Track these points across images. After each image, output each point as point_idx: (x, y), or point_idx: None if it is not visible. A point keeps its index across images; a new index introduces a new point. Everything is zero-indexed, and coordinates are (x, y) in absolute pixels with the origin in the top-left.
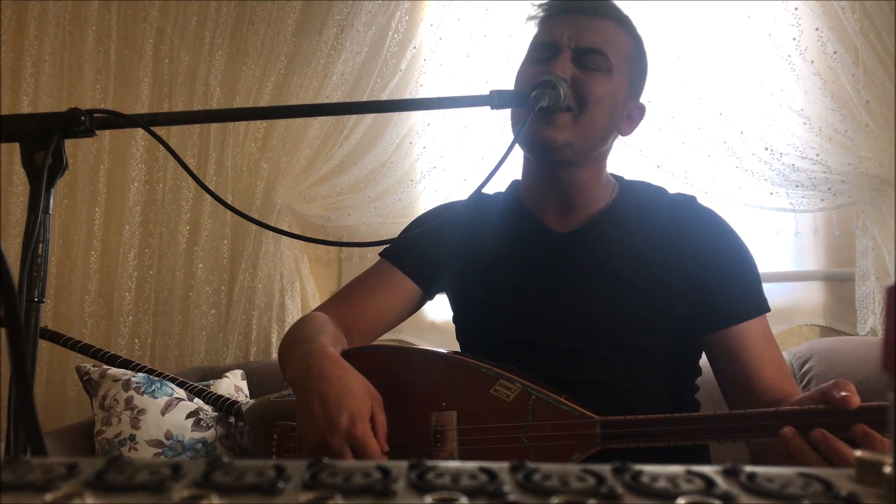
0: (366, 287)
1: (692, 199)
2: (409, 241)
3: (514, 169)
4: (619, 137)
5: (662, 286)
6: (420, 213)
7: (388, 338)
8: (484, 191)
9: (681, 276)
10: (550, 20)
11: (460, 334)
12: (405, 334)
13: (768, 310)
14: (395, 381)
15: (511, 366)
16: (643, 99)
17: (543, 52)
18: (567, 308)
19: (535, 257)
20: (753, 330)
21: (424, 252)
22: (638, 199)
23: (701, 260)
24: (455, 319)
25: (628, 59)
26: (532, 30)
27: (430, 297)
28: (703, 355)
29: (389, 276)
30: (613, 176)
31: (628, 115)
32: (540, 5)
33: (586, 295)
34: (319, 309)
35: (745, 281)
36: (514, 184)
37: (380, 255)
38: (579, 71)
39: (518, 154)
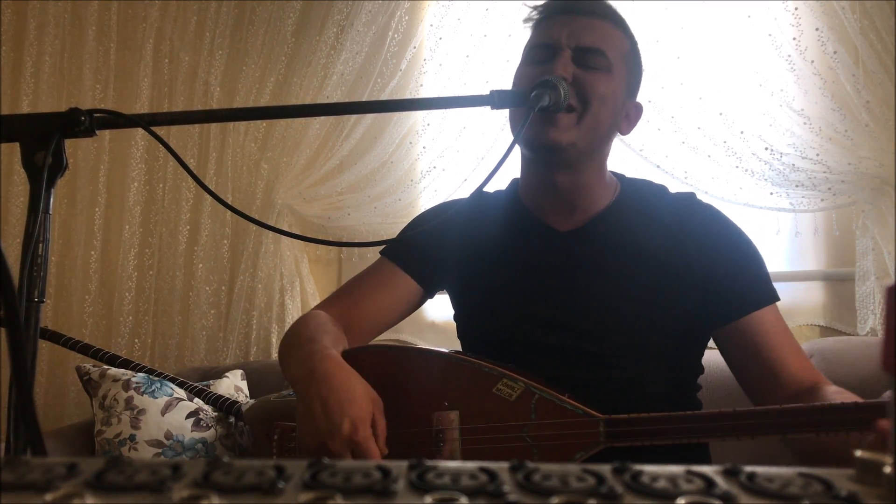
0: (366, 285)
1: (692, 195)
2: (409, 240)
3: (515, 168)
4: (619, 137)
5: (666, 283)
6: (419, 213)
7: (388, 337)
8: (485, 189)
9: (685, 272)
10: (547, 21)
11: (461, 332)
12: (405, 334)
13: (779, 298)
14: (395, 381)
15: (513, 365)
16: (641, 99)
17: (542, 53)
18: (570, 306)
19: (537, 256)
20: (769, 319)
21: (425, 250)
22: (640, 196)
23: (706, 254)
24: (456, 318)
25: (626, 59)
26: (527, 33)
27: (431, 296)
28: (703, 354)
29: (390, 275)
30: (615, 174)
31: (626, 115)
32: (535, 7)
33: (589, 293)
34: (320, 307)
35: (754, 270)
36: (514, 182)
37: (380, 253)
38: (580, 70)
39: (517, 152)
